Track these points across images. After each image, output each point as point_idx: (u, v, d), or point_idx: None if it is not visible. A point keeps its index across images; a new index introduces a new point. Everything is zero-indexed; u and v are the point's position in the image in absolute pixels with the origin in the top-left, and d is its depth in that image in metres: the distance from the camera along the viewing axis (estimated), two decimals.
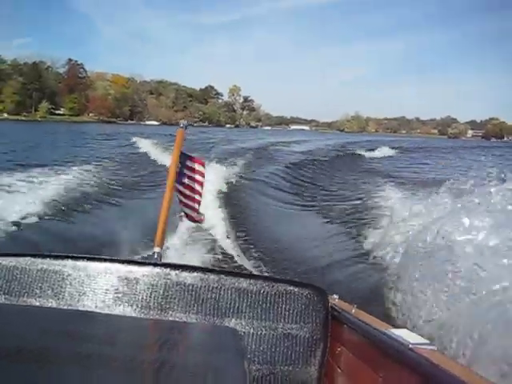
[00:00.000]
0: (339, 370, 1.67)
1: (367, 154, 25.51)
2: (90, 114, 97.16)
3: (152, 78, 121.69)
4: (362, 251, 6.46)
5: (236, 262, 5.83)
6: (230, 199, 9.62)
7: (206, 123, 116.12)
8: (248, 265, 5.71)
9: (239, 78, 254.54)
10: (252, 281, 1.74)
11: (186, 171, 2.58)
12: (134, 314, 1.65)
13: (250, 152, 20.28)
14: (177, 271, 1.71)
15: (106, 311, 1.64)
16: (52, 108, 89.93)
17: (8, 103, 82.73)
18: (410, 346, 1.28)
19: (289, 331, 1.69)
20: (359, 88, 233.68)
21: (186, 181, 2.60)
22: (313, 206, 10.43)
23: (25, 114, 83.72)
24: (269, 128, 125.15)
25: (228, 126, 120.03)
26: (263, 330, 1.69)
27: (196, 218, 2.82)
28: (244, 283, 1.72)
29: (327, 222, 8.71)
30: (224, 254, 6.09)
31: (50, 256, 1.73)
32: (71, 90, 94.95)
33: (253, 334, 1.67)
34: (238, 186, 11.30)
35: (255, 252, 6.31)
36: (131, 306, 1.67)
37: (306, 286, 1.76)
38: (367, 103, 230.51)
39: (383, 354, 1.38)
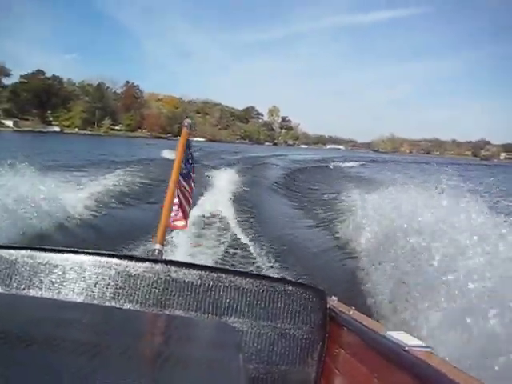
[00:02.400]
0: (336, 371, 1.67)
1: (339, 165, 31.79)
2: (144, 130, 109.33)
3: (197, 97, 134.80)
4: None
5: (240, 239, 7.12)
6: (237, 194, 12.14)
7: (247, 141, 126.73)
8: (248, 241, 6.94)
9: (279, 96, 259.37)
10: (251, 280, 1.74)
11: (185, 172, 2.56)
12: (132, 309, 1.66)
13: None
14: (177, 268, 1.73)
15: (106, 305, 1.66)
16: (112, 124, 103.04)
17: (77, 119, 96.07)
18: (407, 347, 1.29)
19: (287, 331, 1.70)
20: (398, 108, 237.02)
21: (183, 182, 2.61)
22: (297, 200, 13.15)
23: (89, 128, 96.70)
24: (305, 146, 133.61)
25: (267, 143, 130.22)
26: (261, 328, 1.69)
27: (180, 224, 2.76)
28: (243, 282, 1.73)
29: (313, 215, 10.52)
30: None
31: (51, 250, 1.73)
32: (128, 109, 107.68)
33: (251, 332, 1.68)
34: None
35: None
36: (130, 300, 1.68)
37: (305, 286, 1.77)
38: (405, 123, 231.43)
39: (380, 355, 1.39)
